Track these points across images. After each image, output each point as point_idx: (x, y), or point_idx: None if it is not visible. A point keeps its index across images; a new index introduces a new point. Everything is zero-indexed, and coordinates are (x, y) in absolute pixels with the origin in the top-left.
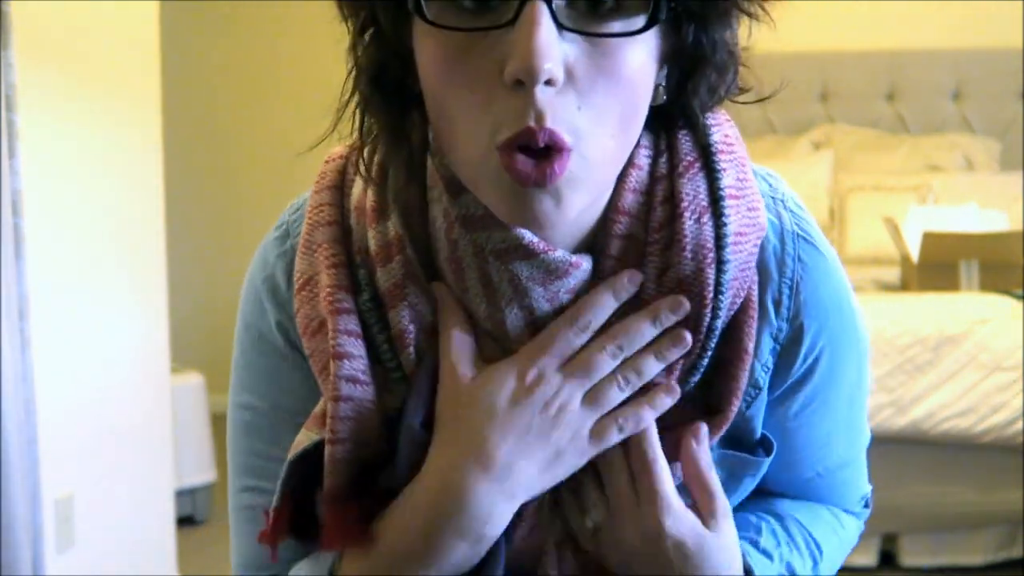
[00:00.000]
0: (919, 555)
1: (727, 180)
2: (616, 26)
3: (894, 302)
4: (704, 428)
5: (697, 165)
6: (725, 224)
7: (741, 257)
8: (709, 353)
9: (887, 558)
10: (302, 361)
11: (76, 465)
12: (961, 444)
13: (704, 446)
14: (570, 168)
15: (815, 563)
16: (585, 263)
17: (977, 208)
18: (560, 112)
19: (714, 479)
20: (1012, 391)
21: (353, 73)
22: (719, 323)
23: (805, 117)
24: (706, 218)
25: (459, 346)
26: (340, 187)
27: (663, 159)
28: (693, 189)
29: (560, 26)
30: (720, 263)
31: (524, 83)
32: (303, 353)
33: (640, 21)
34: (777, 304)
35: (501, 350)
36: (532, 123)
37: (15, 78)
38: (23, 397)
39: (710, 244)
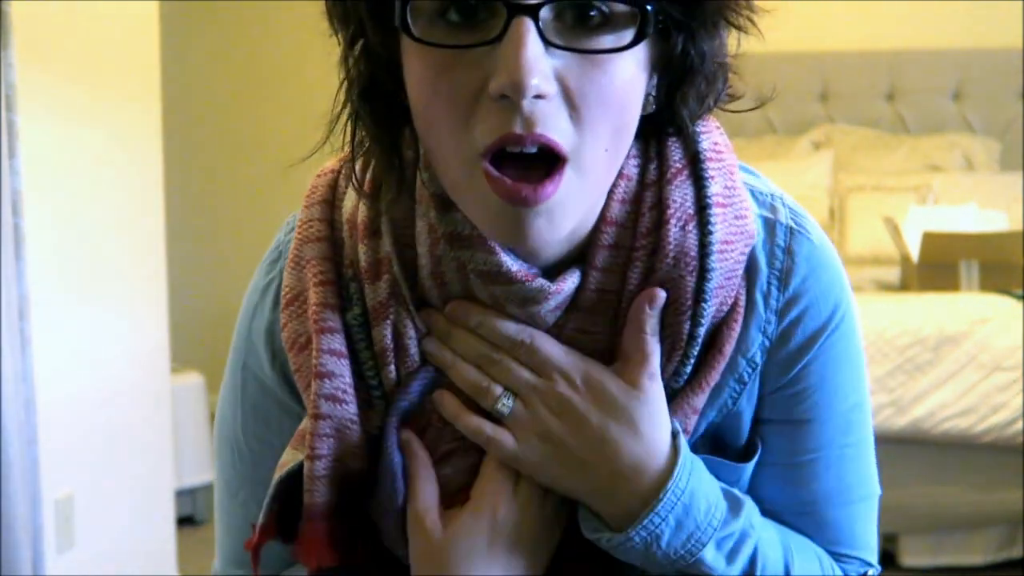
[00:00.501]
0: (919, 555)
1: (715, 188)
2: (605, 39)
3: (894, 302)
4: (660, 294)
5: (685, 172)
6: (711, 232)
7: (727, 265)
8: (692, 360)
9: (887, 558)
10: (280, 393)
11: (76, 465)
12: (961, 444)
13: (655, 313)
14: (564, 185)
15: (785, 551)
16: (571, 280)
17: (977, 208)
18: (551, 120)
19: (652, 344)
20: (1012, 391)
21: (344, 85)
22: (701, 331)
23: (805, 117)
24: (691, 226)
25: (425, 497)
26: (331, 201)
27: (652, 166)
28: (680, 196)
29: (547, 43)
30: (704, 271)
31: (510, 97)
32: (286, 381)
33: (628, 34)
34: (766, 296)
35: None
36: (519, 129)
37: (15, 78)
38: (23, 397)
39: (693, 252)
